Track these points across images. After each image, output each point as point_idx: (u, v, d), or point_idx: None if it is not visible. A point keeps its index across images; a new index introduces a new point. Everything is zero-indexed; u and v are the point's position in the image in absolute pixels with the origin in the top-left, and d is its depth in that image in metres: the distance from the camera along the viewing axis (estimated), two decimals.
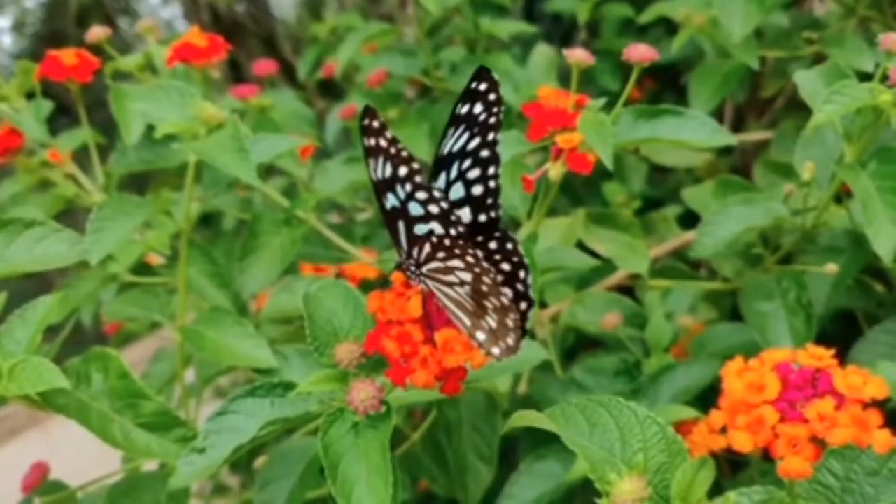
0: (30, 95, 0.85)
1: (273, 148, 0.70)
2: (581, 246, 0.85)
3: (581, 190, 1.25)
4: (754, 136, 1.19)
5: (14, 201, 0.83)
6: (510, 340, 0.47)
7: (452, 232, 0.49)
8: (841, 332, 0.91)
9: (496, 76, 0.51)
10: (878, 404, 0.38)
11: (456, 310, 0.47)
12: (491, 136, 0.51)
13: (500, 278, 0.50)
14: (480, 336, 0.46)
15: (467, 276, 0.47)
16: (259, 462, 0.78)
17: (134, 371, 0.91)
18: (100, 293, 0.91)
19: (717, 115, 1.29)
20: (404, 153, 0.48)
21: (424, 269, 0.49)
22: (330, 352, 0.53)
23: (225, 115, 0.66)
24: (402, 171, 0.48)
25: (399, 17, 1.67)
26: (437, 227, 0.49)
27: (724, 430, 0.40)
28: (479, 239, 0.52)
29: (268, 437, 0.56)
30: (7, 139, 0.84)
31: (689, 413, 0.73)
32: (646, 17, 1.14)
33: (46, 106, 0.87)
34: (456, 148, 0.52)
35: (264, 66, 1.27)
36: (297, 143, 0.73)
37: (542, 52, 1.24)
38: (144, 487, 0.67)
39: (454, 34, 1.29)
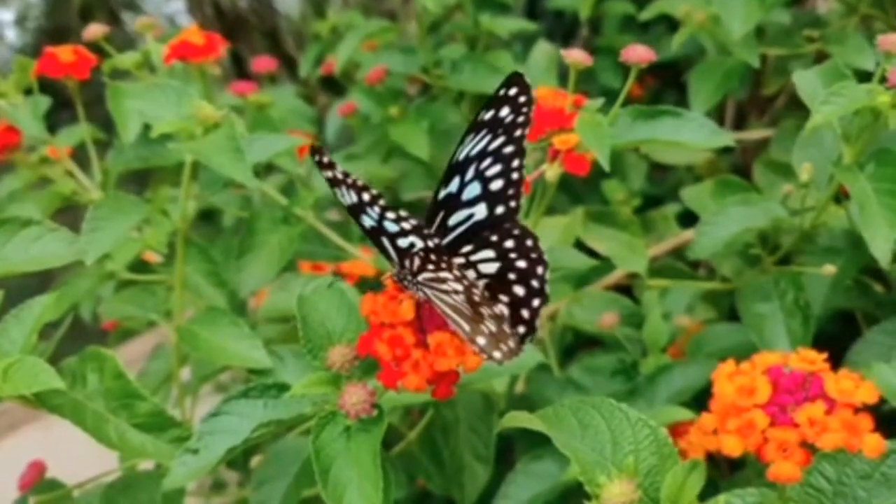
0: (29, 91, 0.85)
1: (270, 147, 0.70)
2: (580, 244, 0.85)
3: (580, 187, 1.25)
4: (755, 134, 1.19)
5: (12, 198, 0.83)
6: (511, 343, 0.46)
7: (430, 244, 0.50)
8: (839, 332, 0.91)
9: (528, 79, 0.51)
10: (874, 407, 0.38)
11: (455, 316, 0.47)
12: (518, 133, 0.51)
13: (512, 276, 0.50)
14: (481, 341, 0.46)
15: (459, 287, 0.47)
16: (255, 461, 0.78)
17: (133, 367, 0.92)
18: (97, 290, 0.91)
19: (719, 112, 1.29)
20: (359, 183, 0.48)
21: (420, 279, 0.49)
22: (323, 354, 0.53)
23: (221, 114, 0.65)
24: (365, 196, 0.48)
25: (401, 14, 1.67)
26: (417, 241, 0.49)
27: (715, 433, 0.40)
28: (494, 238, 0.52)
29: (262, 439, 0.56)
30: (4, 136, 0.84)
31: (685, 414, 0.73)
32: (647, 14, 1.13)
33: (44, 102, 0.87)
34: (474, 152, 0.52)
35: (264, 63, 1.27)
36: (294, 142, 0.73)
37: (543, 50, 1.23)
38: (140, 486, 0.67)
39: (455, 31, 1.29)
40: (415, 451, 0.83)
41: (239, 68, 2.49)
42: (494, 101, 0.51)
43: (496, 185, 0.52)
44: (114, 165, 0.83)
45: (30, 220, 0.61)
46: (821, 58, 1.01)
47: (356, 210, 0.49)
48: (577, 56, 0.67)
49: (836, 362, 0.78)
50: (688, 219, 1.04)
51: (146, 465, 0.70)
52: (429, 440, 0.83)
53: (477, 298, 0.47)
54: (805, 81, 0.71)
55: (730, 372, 0.40)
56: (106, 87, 0.84)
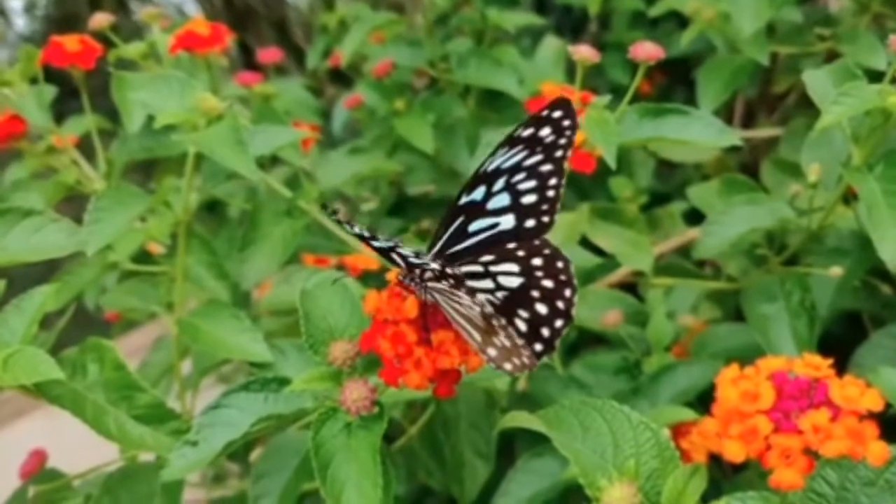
0: (36, 80, 0.85)
1: (273, 140, 0.69)
2: (585, 240, 0.84)
3: (587, 184, 1.24)
4: (764, 132, 1.18)
5: (16, 188, 0.83)
6: (525, 359, 0.46)
7: (447, 270, 0.50)
8: (845, 334, 0.91)
9: (575, 106, 0.51)
10: (880, 412, 0.38)
11: (465, 324, 0.47)
12: (559, 154, 0.51)
13: (535, 294, 0.50)
14: (492, 352, 0.46)
15: (474, 306, 0.47)
16: (255, 454, 0.78)
17: (136, 357, 0.92)
18: (101, 280, 0.91)
19: (727, 110, 1.29)
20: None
21: (429, 284, 0.49)
22: (324, 350, 0.52)
23: (225, 106, 0.65)
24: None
25: (409, 7, 1.66)
26: (433, 263, 0.49)
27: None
28: (521, 253, 0.51)
29: (261, 433, 0.56)
30: (9, 125, 0.83)
31: (688, 414, 0.72)
32: (656, 10, 1.13)
33: (49, 91, 0.87)
34: (506, 165, 0.51)
35: (270, 55, 1.27)
36: (297, 135, 0.73)
37: (551, 45, 1.23)
38: (140, 478, 0.67)
39: (462, 25, 1.28)
40: (415, 447, 0.83)
41: (247, 58, 2.48)
42: (536, 121, 0.51)
43: (528, 199, 0.51)
44: (118, 156, 0.83)
45: (31, 211, 0.61)
46: (832, 56, 1.00)
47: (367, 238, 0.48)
48: (585, 52, 0.67)
49: (841, 364, 0.78)
50: (694, 217, 1.03)
51: (147, 455, 0.70)
52: (429, 436, 0.82)
53: (489, 311, 0.46)
54: (815, 81, 0.70)
55: (733, 376, 0.40)
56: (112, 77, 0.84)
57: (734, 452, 0.37)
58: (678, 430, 0.74)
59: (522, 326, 0.50)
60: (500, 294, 0.50)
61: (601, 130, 0.65)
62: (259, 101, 1.08)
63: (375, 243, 0.48)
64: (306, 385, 0.51)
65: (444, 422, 0.80)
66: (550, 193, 0.51)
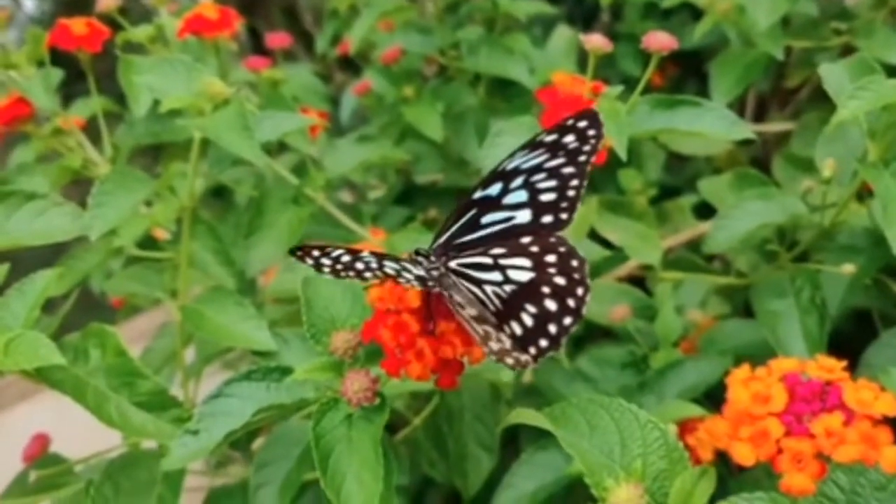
0: (43, 63, 0.84)
1: (280, 126, 0.68)
2: (594, 233, 0.83)
3: (596, 175, 1.23)
4: (776, 126, 1.17)
5: (21, 171, 0.82)
6: (525, 357, 0.46)
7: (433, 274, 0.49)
8: (855, 332, 0.89)
9: (603, 119, 0.50)
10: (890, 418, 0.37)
11: (471, 321, 0.46)
12: (582, 159, 0.51)
13: (546, 290, 0.49)
14: (494, 346, 0.45)
15: (472, 309, 0.46)
16: (257, 443, 0.78)
17: (142, 341, 0.91)
18: (107, 265, 0.90)
19: (739, 103, 1.27)
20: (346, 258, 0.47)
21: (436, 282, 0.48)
22: (326, 339, 0.52)
23: (231, 91, 0.64)
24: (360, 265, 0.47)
25: None
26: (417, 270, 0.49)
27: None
28: (534, 249, 0.51)
29: (262, 423, 0.56)
30: (15, 107, 0.83)
31: (695, 410, 0.71)
32: (669, 1, 1.11)
33: (56, 74, 0.86)
34: (526, 165, 0.51)
35: (278, 39, 1.26)
36: (304, 121, 0.72)
37: (563, 34, 1.22)
38: (141, 464, 0.66)
39: (473, 12, 1.26)
40: (419, 438, 0.82)
41: (256, 43, 2.47)
42: (561, 128, 0.51)
43: (547, 196, 0.51)
44: (124, 140, 0.82)
45: (35, 194, 0.60)
46: (846, 51, 0.99)
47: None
48: (597, 42, 0.66)
49: (850, 363, 0.77)
50: (704, 210, 1.02)
51: (150, 442, 0.70)
52: (433, 427, 0.82)
53: (476, 314, 0.46)
54: (832, 75, 0.69)
55: (745, 377, 0.39)
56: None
57: (744, 455, 0.36)
58: (685, 427, 0.73)
59: (529, 321, 0.49)
60: (507, 287, 0.50)
61: (612, 121, 0.64)
62: (267, 87, 1.08)
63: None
64: (307, 375, 0.50)
65: (449, 413, 0.80)
66: (571, 193, 0.51)
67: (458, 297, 0.47)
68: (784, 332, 0.74)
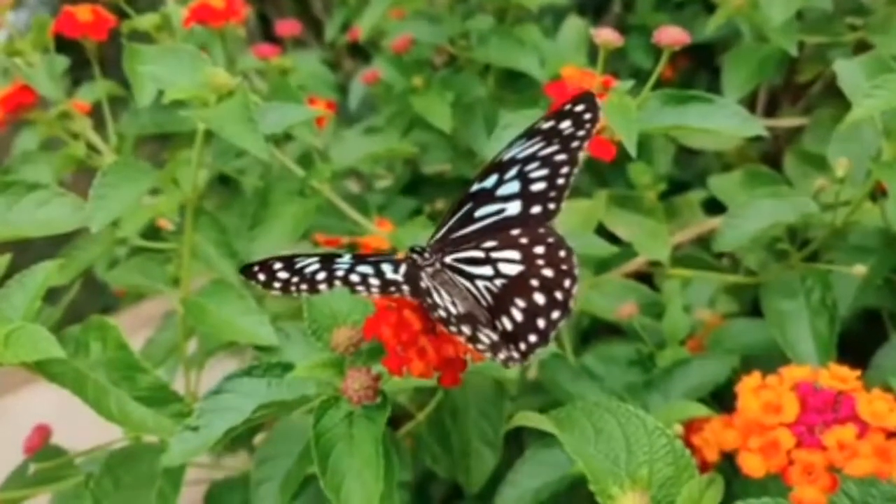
0: (48, 50, 0.83)
1: (285, 118, 0.67)
2: (602, 227, 0.82)
3: (606, 169, 1.22)
4: (788, 121, 1.15)
5: (25, 159, 0.82)
6: (515, 353, 0.45)
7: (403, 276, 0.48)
8: (865, 331, 0.88)
9: (598, 101, 0.50)
10: None
11: (444, 320, 0.45)
12: (575, 144, 0.50)
13: (534, 283, 0.48)
14: (482, 344, 0.44)
15: (449, 310, 0.46)
16: (259, 438, 0.77)
17: (147, 328, 0.91)
18: (110, 254, 0.90)
19: (751, 98, 1.25)
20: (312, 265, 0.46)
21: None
22: (327, 336, 0.51)
23: (236, 82, 0.63)
24: (321, 275, 0.46)
25: None
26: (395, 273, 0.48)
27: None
28: (523, 241, 0.50)
29: (263, 419, 0.55)
30: (19, 95, 0.82)
31: (701, 411, 0.70)
32: None
33: (61, 62, 0.86)
34: (522, 155, 0.51)
35: (287, 27, 1.25)
36: (310, 114, 0.71)
37: (574, 25, 1.20)
38: (142, 458, 0.66)
39: (484, 2, 1.25)
40: (422, 433, 0.82)
41: (266, 29, 2.46)
42: (558, 115, 0.50)
43: (537, 186, 0.50)
44: (128, 129, 0.81)
45: (36, 184, 0.60)
46: (860, 46, 0.97)
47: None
48: (608, 36, 0.65)
49: (859, 363, 0.76)
50: (714, 205, 1.01)
51: (151, 435, 0.69)
52: (437, 422, 0.81)
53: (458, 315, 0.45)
54: (847, 72, 0.68)
55: (755, 385, 0.38)
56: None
57: (754, 467, 0.35)
58: (691, 427, 0.72)
59: (518, 316, 0.48)
60: (498, 282, 0.49)
61: (622, 117, 0.63)
62: (275, 74, 1.07)
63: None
64: (308, 373, 0.50)
65: (453, 409, 0.79)
66: (560, 181, 0.50)
67: (436, 300, 0.46)
68: (793, 333, 0.73)
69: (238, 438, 0.80)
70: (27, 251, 0.67)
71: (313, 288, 0.45)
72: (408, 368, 0.47)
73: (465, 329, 0.44)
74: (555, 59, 1.09)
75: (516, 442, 0.86)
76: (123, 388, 0.59)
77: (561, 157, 0.50)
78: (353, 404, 0.49)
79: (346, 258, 0.47)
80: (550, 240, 0.49)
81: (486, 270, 0.49)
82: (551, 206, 0.50)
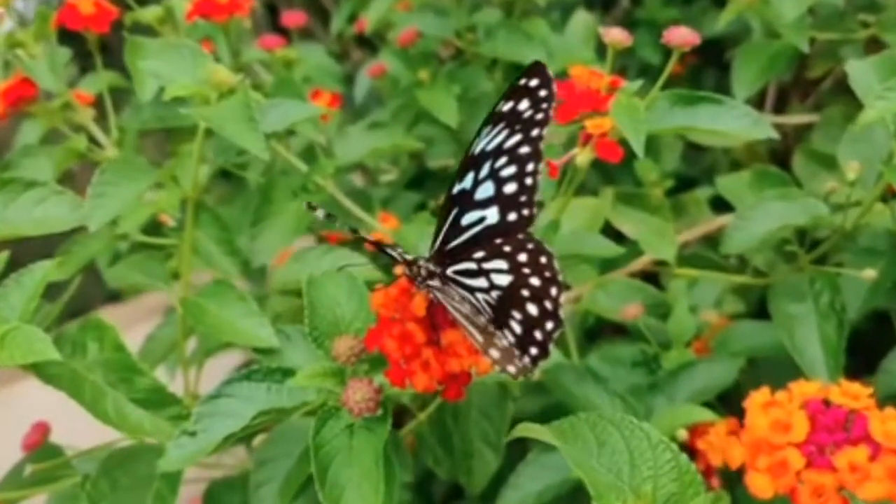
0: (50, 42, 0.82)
1: (288, 116, 0.66)
2: (609, 225, 0.81)
3: (612, 166, 1.21)
4: (797, 118, 1.14)
5: (25, 153, 0.81)
6: (526, 359, 0.44)
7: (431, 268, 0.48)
8: (873, 333, 0.87)
9: (550, 72, 0.47)
10: None
11: (467, 324, 0.44)
12: (535, 132, 0.48)
13: (525, 293, 0.47)
14: (494, 353, 0.43)
15: (465, 305, 0.44)
16: (258, 439, 0.76)
17: (149, 320, 0.90)
18: (111, 249, 0.89)
19: (759, 94, 1.24)
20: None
21: (429, 282, 0.46)
22: (329, 343, 0.50)
23: (237, 80, 0.62)
24: None
25: None
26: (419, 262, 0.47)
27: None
28: (507, 249, 0.48)
29: (261, 426, 0.54)
30: (20, 88, 0.81)
31: (706, 415, 0.69)
32: None
33: (63, 54, 0.85)
34: (490, 147, 0.49)
35: (293, 18, 1.24)
36: (313, 111, 0.70)
37: (581, 20, 1.19)
38: (140, 459, 0.65)
39: None
40: (424, 434, 0.81)
41: (273, 19, 2.44)
42: (514, 92, 0.48)
43: (510, 188, 0.49)
44: (130, 124, 0.80)
45: (34, 182, 0.59)
46: (872, 43, 0.96)
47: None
48: (617, 36, 0.64)
49: (866, 366, 0.75)
50: (721, 202, 1.00)
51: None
52: (439, 423, 0.80)
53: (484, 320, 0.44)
54: (859, 73, 0.67)
55: (764, 402, 0.37)
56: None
57: (761, 487, 0.34)
58: (695, 430, 0.71)
59: (518, 329, 0.47)
60: (494, 294, 0.48)
61: (630, 118, 0.62)
62: (280, 67, 1.06)
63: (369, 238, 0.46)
64: (308, 382, 0.49)
65: (454, 409, 0.78)
66: (528, 181, 0.49)
67: (455, 304, 0.45)
68: (801, 337, 0.72)
69: (238, 441, 0.79)
70: (24, 246, 0.66)
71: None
72: (411, 382, 0.46)
73: (479, 335, 0.44)
74: (562, 54, 1.07)
75: (518, 444, 0.85)
76: (121, 389, 0.58)
77: (525, 149, 0.48)
78: (353, 416, 0.48)
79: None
80: (530, 246, 0.48)
81: (482, 282, 0.48)
82: (525, 211, 0.49)
